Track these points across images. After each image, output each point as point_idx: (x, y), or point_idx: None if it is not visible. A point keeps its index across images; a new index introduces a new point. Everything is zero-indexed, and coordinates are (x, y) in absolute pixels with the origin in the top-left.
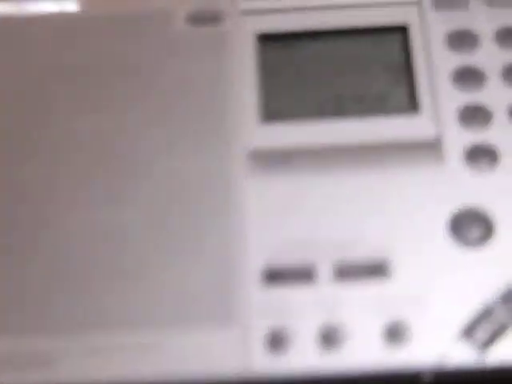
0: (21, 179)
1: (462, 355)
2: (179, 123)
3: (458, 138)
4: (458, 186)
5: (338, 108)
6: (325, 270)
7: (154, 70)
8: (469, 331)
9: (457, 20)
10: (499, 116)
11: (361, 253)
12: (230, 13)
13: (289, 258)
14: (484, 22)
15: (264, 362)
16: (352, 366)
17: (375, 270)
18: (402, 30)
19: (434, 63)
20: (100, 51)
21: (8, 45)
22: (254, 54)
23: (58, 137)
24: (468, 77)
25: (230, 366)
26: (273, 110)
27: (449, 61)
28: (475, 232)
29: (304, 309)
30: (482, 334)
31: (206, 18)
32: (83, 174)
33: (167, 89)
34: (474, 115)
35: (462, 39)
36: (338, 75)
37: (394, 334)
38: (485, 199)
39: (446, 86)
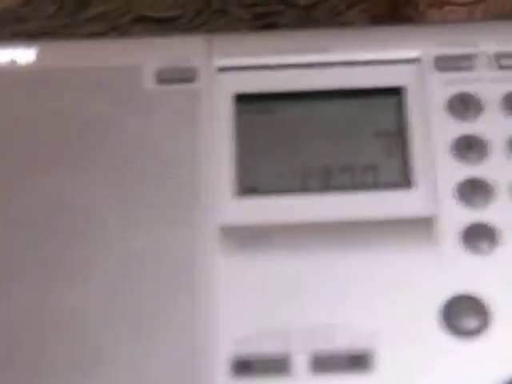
0: None
1: None
2: (146, 192)
3: (455, 217)
4: (453, 269)
5: (323, 181)
6: (300, 362)
7: (119, 130)
8: None
9: (461, 83)
10: (501, 193)
11: (341, 343)
12: (204, 70)
13: (261, 347)
14: (491, 86)
15: None
16: None
17: (357, 362)
18: (396, 93)
19: (431, 131)
20: (61, 106)
21: None
22: (230, 117)
23: (13, 199)
24: (469, 148)
25: None
26: (250, 183)
27: (449, 129)
28: (470, 321)
29: None
30: None
31: (178, 76)
32: (37, 249)
33: (134, 153)
34: (474, 192)
35: (465, 105)
36: (322, 143)
37: None
38: (482, 285)
39: (443, 157)
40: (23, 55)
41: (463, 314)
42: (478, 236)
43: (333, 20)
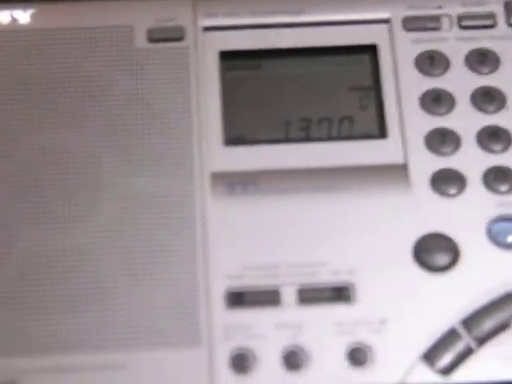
0: None
1: (423, 377)
2: (141, 143)
3: (425, 164)
4: (424, 210)
5: (303, 131)
6: (289, 294)
7: (114, 87)
8: (431, 355)
9: (427, 42)
10: (467, 142)
11: (324, 277)
12: (190, 29)
13: (252, 281)
14: (455, 45)
15: (228, 383)
16: None
17: (338, 294)
18: (371, 50)
19: (402, 86)
20: (57, 64)
21: None
22: (216, 72)
23: (13, 156)
24: (437, 101)
25: None
26: (237, 133)
27: (418, 84)
28: (440, 258)
29: (268, 331)
30: (444, 357)
31: (167, 35)
32: (42, 194)
33: (128, 107)
34: (442, 141)
35: (431, 62)
36: (302, 96)
37: (357, 356)
38: (451, 225)
39: (414, 110)
40: (20, 16)
41: (434, 251)
42: (447, 181)
43: None
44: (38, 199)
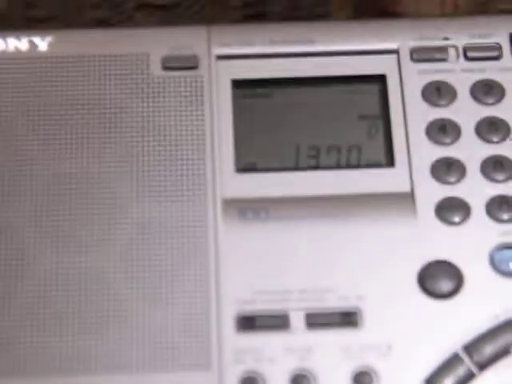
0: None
1: None
2: (155, 169)
3: (431, 192)
4: (429, 238)
5: (313, 159)
6: (297, 319)
7: (129, 114)
8: (433, 379)
9: (434, 72)
10: (472, 171)
11: (332, 302)
12: (205, 58)
13: (262, 306)
14: (461, 76)
15: None
16: None
17: (346, 319)
18: (379, 80)
19: (409, 116)
20: (74, 92)
21: None
22: (229, 101)
23: (32, 182)
24: (443, 131)
25: None
26: (249, 161)
27: (425, 114)
28: (444, 284)
29: (277, 355)
30: (445, 382)
31: (181, 63)
32: (59, 219)
33: (144, 134)
34: (448, 170)
35: (438, 92)
36: (312, 125)
37: (363, 380)
38: (455, 252)
39: (420, 139)
40: (39, 43)
41: (438, 278)
42: (451, 209)
43: (317, 8)
44: (54, 223)
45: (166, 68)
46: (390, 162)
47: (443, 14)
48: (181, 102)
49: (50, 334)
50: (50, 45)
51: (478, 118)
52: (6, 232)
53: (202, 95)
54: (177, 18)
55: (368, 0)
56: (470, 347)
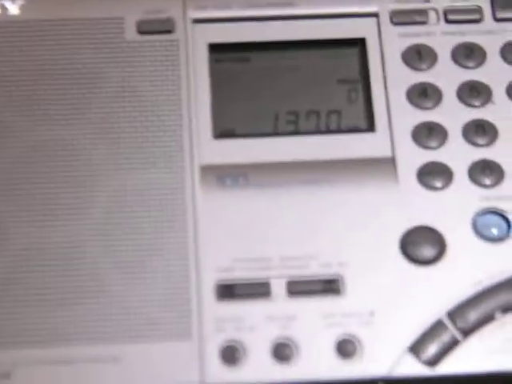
0: None
1: (410, 369)
2: (131, 135)
3: (412, 157)
4: (412, 204)
5: (292, 124)
6: (278, 286)
7: (104, 79)
8: (417, 347)
9: (414, 35)
10: (454, 135)
11: (314, 270)
12: (180, 21)
13: (243, 274)
14: (442, 39)
15: (219, 374)
16: (305, 378)
17: (328, 286)
18: (359, 44)
19: (389, 80)
20: (47, 57)
21: None
22: (206, 65)
23: (5, 150)
24: (424, 95)
25: (187, 378)
26: (226, 126)
27: (405, 78)
28: (427, 250)
29: (258, 323)
30: (430, 349)
31: (157, 27)
32: (35, 187)
33: (119, 100)
34: (429, 134)
35: (419, 55)
36: (291, 89)
37: (346, 348)
38: (437, 218)
39: (401, 103)
40: (10, 7)
41: (421, 244)
42: (433, 174)
43: None
44: (29, 194)
45: (141, 32)
46: (371, 126)
47: None
48: (156, 66)
49: (27, 305)
50: (21, 8)
51: (459, 82)
52: None
53: (178, 60)
54: None
55: None
56: (454, 313)
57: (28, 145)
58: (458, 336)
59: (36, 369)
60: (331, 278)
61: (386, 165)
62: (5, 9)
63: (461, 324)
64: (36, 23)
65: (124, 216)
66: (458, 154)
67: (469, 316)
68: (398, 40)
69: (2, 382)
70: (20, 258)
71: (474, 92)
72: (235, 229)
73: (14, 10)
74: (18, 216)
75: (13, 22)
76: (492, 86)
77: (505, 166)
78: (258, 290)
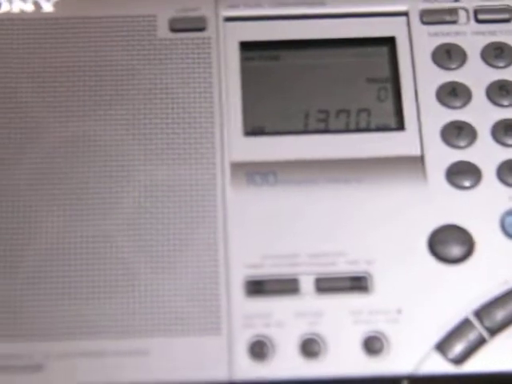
0: (5, 189)
1: (436, 367)
2: (163, 132)
3: (441, 156)
4: (440, 203)
5: (322, 122)
6: (307, 283)
7: (137, 76)
8: (444, 345)
9: (444, 35)
10: (483, 135)
11: (342, 267)
12: (212, 20)
13: (272, 270)
14: (471, 38)
15: (247, 370)
16: (331, 374)
17: (356, 284)
18: (389, 42)
19: (419, 79)
20: (80, 54)
21: None
22: (237, 63)
23: (38, 145)
24: (454, 94)
25: (215, 373)
26: (257, 124)
27: (435, 77)
28: (455, 249)
29: (286, 319)
30: (456, 347)
31: (189, 25)
32: (67, 182)
33: (150, 96)
34: (458, 134)
35: (449, 55)
36: (321, 87)
37: (373, 345)
38: (465, 217)
39: (431, 102)
40: (44, 4)
41: (449, 243)
42: (462, 173)
43: None
44: (61, 188)
45: (173, 30)
46: (400, 125)
47: None
48: (188, 64)
49: (57, 298)
50: (56, 6)
51: (488, 82)
52: (13, 196)
53: (209, 57)
54: None
55: None
56: (481, 312)
57: (60, 140)
58: (485, 335)
59: (67, 361)
60: (359, 275)
61: (415, 163)
62: (39, 6)
63: (488, 323)
64: (69, 21)
65: (155, 211)
66: (486, 154)
67: (496, 315)
68: (427, 39)
69: (35, 374)
70: (52, 251)
71: (503, 91)
72: (264, 225)
73: (47, 7)
74: (51, 210)
75: (46, 19)
76: None
77: None
78: (287, 286)
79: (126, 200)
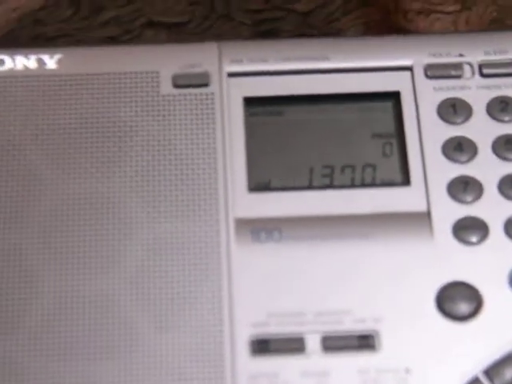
0: (7, 247)
1: None
2: (167, 188)
3: (447, 211)
4: (447, 259)
5: (326, 178)
6: (313, 342)
7: (140, 133)
8: None
9: (449, 89)
10: (490, 190)
11: (349, 325)
12: (216, 75)
13: (277, 329)
14: (477, 93)
15: None
16: None
17: (363, 342)
18: (394, 97)
19: (424, 134)
20: (83, 111)
21: None
22: (241, 118)
23: (40, 203)
24: (459, 149)
25: None
26: (262, 180)
27: (440, 131)
28: (463, 306)
29: (293, 379)
30: None
31: (192, 81)
32: (69, 240)
33: (153, 153)
34: (465, 189)
35: (454, 109)
36: (326, 143)
37: None
38: (473, 273)
39: (436, 157)
40: (47, 61)
41: (457, 300)
42: (469, 229)
43: (328, 26)
44: (63, 246)
45: (176, 86)
46: (406, 180)
47: (456, 32)
48: (192, 120)
49: (58, 359)
50: (59, 62)
51: (494, 136)
52: (15, 255)
53: (213, 113)
54: (186, 36)
55: (379, 17)
56: (491, 371)
57: (63, 198)
58: None
59: None
60: (366, 333)
61: (422, 219)
62: (42, 63)
63: (498, 382)
64: (72, 77)
65: (158, 269)
66: (493, 209)
67: (506, 374)
68: (432, 94)
69: None
70: (53, 310)
71: (509, 146)
72: (269, 283)
73: (51, 64)
74: (52, 268)
75: (50, 75)
76: None
77: None
78: (293, 345)
79: (128, 258)
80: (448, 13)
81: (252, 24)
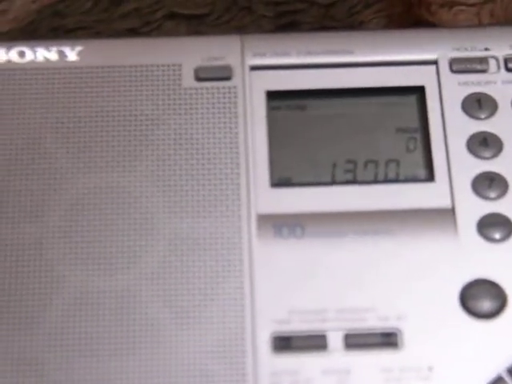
0: (28, 242)
1: None
2: (188, 183)
3: (472, 208)
4: (471, 256)
5: (349, 173)
6: (335, 339)
7: (162, 126)
8: None
9: (474, 84)
10: None
11: (372, 323)
12: (238, 68)
13: (299, 326)
14: (502, 87)
15: None
16: None
17: (386, 340)
18: (418, 92)
19: (449, 129)
20: (105, 103)
21: (5, 96)
22: (263, 112)
23: (61, 197)
24: (485, 145)
25: None
26: (283, 175)
27: (465, 126)
28: (487, 304)
29: (314, 377)
30: None
31: (214, 74)
32: (90, 235)
33: (175, 146)
34: (489, 185)
35: (479, 104)
36: (349, 138)
37: None
38: (498, 271)
39: (461, 153)
40: (68, 53)
41: (481, 298)
42: (493, 226)
43: (350, 18)
44: (84, 241)
45: (198, 79)
46: (430, 176)
47: (479, 25)
48: (214, 113)
49: (78, 355)
50: (80, 54)
51: None
52: (35, 249)
53: (235, 107)
54: (206, 29)
55: (401, 10)
56: None
57: (84, 191)
58: None
59: None
60: (389, 331)
61: (446, 216)
62: (63, 55)
63: None
64: (94, 69)
65: (180, 264)
66: None
67: None
68: (457, 88)
69: None
70: (73, 305)
71: None
72: (291, 279)
73: (72, 56)
74: (74, 263)
75: (71, 68)
76: None
77: None
78: (315, 342)
79: (150, 254)
80: (471, 5)
81: (273, 16)
